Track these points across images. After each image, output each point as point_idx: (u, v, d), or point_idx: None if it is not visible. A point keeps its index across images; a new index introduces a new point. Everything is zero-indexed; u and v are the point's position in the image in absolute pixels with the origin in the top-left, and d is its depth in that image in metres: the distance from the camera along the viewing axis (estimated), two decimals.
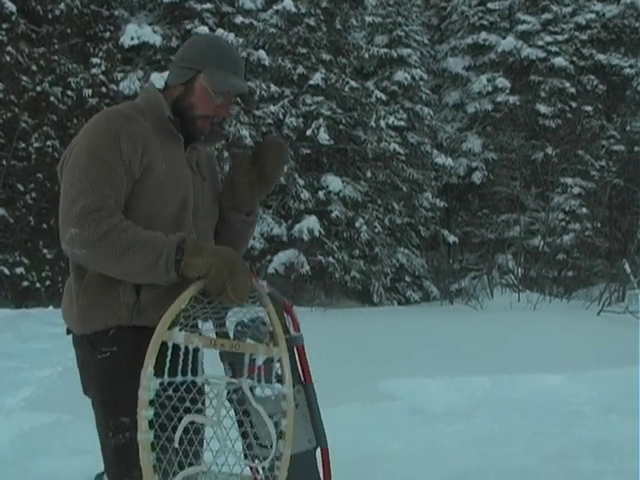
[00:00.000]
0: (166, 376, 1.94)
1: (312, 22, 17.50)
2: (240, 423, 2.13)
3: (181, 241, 2.02)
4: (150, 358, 1.93)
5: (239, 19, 17.52)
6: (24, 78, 15.46)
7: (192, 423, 1.97)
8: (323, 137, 16.47)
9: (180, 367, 1.96)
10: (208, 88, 2.23)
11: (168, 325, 1.96)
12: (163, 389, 1.95)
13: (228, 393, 2.07)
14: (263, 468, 2.08)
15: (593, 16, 22.04)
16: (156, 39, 16.53)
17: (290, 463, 2.15)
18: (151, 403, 1.90)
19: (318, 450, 2.33)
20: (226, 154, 14.19)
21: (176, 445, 1.93)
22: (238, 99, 2.35)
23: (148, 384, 1.91)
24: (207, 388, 2.04)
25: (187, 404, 1.96)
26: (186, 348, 1.96)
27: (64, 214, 2.05)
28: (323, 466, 2.32)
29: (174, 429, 1.94)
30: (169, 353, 1.93)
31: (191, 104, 2.24)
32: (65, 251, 2.08)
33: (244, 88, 2.28)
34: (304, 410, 2.33)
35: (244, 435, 2.14)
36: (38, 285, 15.13)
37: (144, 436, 1.88)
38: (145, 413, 1.89)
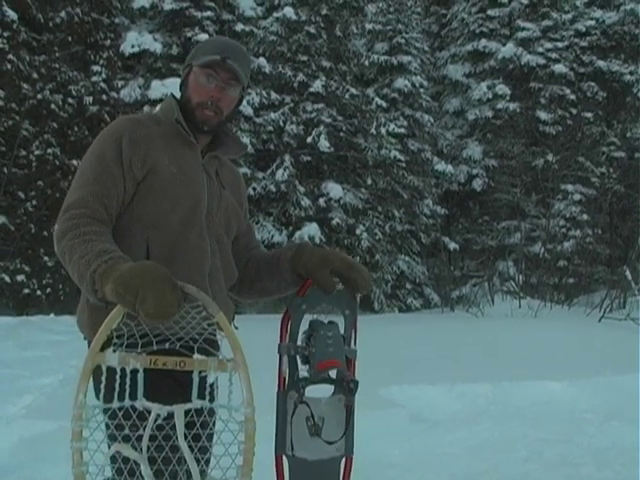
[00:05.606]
0: (101, 402, 1.83)
1: (312, 29, 17.55)
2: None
3: (97, 267, 1.85)
4: (82, 384, 1.77)
5: (239, 26, 17.58)
6: (25, 86, 15.49)
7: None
8: (323, 144, 16.49)
9: (117, 391, 1.78)
10: (196, 73, 2.23)
11: (100, 347, 1.81)
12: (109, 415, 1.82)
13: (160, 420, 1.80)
14: None
15: (593, 23, 22.12)
16: (157, 47, 16.58)
17: (314, 468, 2.11)
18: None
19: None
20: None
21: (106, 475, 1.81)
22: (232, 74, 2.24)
23: (79, 413, 1.75)
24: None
25: (126, 431, 1.80)
26: (123, 370, 1.79)
27: None
28: (344, 473, 2.30)
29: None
30: (118, 377, 1.79)
31: (188, 97, 2.25)
32: None
33: (224, 54, 2.19)
34: (340, 419, 2.29)
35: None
36: (39, 293, 15.13)
37: (77, 470, 1.74)
38: (76, 445, 1.74)
